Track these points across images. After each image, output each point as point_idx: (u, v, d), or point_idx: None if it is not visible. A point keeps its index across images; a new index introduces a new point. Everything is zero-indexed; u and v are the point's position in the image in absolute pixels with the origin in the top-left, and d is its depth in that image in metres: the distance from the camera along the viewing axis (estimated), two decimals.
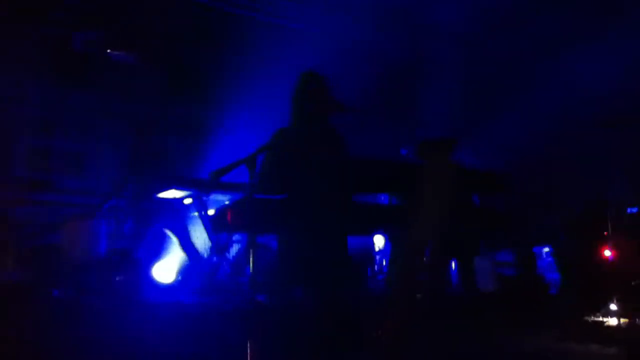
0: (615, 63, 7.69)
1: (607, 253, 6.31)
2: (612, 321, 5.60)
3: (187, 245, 6.45)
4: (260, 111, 8.53)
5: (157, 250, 6.67)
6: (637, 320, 5.48)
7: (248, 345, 3.72)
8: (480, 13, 8.79)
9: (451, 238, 5.34)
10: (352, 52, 8.90)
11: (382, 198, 6.67)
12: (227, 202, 6.38)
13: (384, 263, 7.17)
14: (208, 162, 7.80)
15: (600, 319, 5.71)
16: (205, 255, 6.39)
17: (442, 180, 4.05)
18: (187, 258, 6.40)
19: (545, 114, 8.40)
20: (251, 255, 4.12)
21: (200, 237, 6.50)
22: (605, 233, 6.68)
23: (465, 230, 5.41)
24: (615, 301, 5.69)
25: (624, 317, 5.55)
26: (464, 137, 5.67)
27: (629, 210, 7.10)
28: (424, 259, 4.92)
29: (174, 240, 6.50)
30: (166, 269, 6.53)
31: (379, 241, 7.21)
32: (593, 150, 6.29)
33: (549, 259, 7.83)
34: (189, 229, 6.54)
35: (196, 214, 6.43)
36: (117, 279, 6.13)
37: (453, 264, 6.35)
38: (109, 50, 8.05)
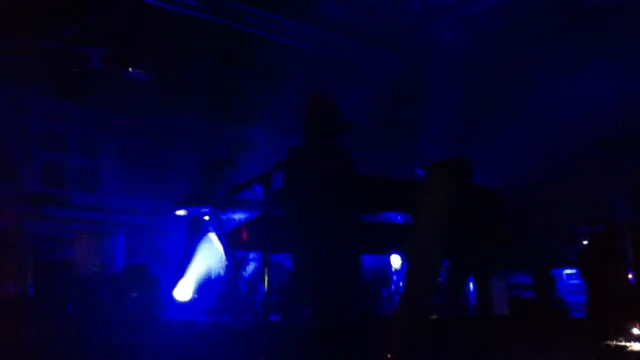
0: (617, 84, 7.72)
1: (631, 276, 6.18)
2: (635, 346, 5.47)
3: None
4: (270, 127, 8.58)
5: (173, 267, 6.67)
6: None
7: None
8: (480, 35, 8.85)
9: (467, 258, 5.28)
10: (359, 73, 8.96)
11: (399, 217, 6.62)
12: (238, 218, 6.37)
13: (401, 284, 7.10)
14: (220, 178, 7.83)
15: (623, 343, 5.57)
16: (222, 273, 6.38)
17: (452, 199, 4.01)
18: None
19: (553, 136, 8.39)
20: (266, 274, 4.10)
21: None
22: (627, 256, 6.56)
23: (480, 250, 5.34)
24: (638, 325, 5.56)
25: None
26: (470, 157, 5.64)
27: None
28: (437, 278, 4.85)
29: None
30: (183, 286, 6.53)
31: (395, 261, 7.15)
32: (605, 170, 6.22)
33: (570, 281, 7.70)
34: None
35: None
36: (132, 295, 6.14)
37: (471, 285, 6.26)
38: (128, 69, 8.14)
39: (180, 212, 6.40)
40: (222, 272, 6.39)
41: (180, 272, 6.57)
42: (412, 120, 9.48)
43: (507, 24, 8.59)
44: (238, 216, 6.54)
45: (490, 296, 5.49)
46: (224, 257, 6.35)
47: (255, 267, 6.44)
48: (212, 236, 6.48)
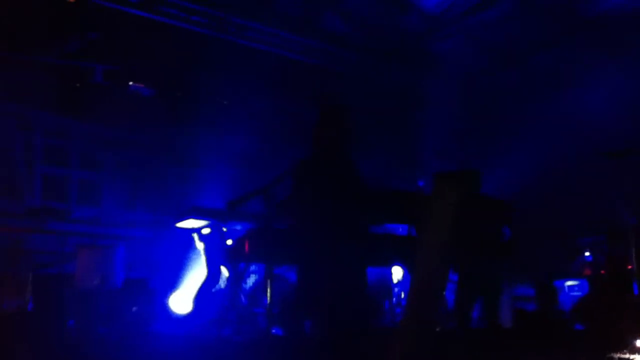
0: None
1: (633, 287, 6.17)
2: (639, 358, 5.43)
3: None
4: (270, 142, 8.59)
5: (172, 280, 6.63)
6: None
7: None
8: (481, 46, 8.91)
9: (481, 271, 5.25)
10: (363, 85, 8.99)
11: (401, 229, 6.60)
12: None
13: (403, 295, 7.06)
14: (221, 191, 7.82)
15: (627, 355, 5.53)
16: (222, 286, 6.33)
17: (461, 211, 3.99)
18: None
19: (555, 144, 8.41)
20: (268, 286, 4.07)
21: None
22: (629, 267, 6.54)
23: (494, 263, 5.32)
24: None
25: None
26: (479, 171, 5.65)
27: None
28: (442, 291, 4.82)
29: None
30: (182, 299, 6.48)
31: (397, 273, 7.12)
32: (609, 180, 6.23)
33: (572, 293, 7.68)
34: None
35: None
36: (133, 309, 6.09)
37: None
38: (130, 84, 8.17)
39: (182, 225, 6.36)
40: (222, 285, 6.34)
41: (178, 285, 6.54)
42: (413, 131, 9.52)
43: (507, 35, 8.64)
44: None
45: (499, 310, 5.46)
46: (223, 269, 6.31)
47: (256, 279, 6.39)
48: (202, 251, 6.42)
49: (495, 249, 5.45)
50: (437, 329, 5.73)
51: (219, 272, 6.26)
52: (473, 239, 5.26)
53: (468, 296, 5.38)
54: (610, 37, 8.22)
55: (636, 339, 5.55)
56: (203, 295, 6.35)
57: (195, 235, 6.30)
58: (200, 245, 6.33)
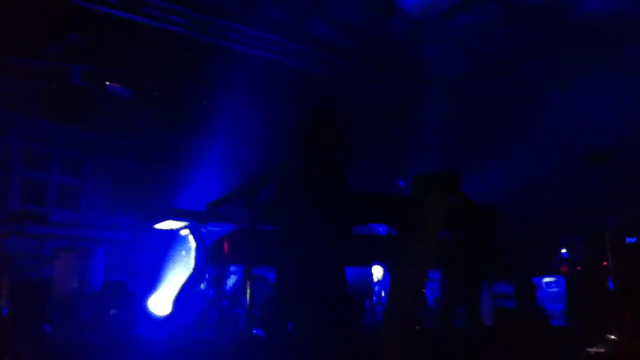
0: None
1: (608, 283, 6.26)
2: (612, 352, 5.52)
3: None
4: (254, 145, 8.60)
5: (152, 282, 6.60)
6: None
7: None
8: (468, 52, 8.98)
9: (462, 270, 5.31)
10: (347, 91, 9.03)
11: (381, 229, 6.64)
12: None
13: (383, 294, 7.10)
14: (202, 193, 7.80)
15: (602, 350, 5.62)
16: (202, 287, 6.31)
17: (442, 211, 4.04)
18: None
19: (538, 148, 8.52)
20: (248, 288, 4.08)
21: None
22: (605, 263, 6.66)
23: (474, 262, 5.38)
24: (615, 331, 5.62)
25: (624, 348, 5.48)
26: (458, 170, 5.72)
27: (627, 240, 7.11)
28: (422, 289, 4.88)
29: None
30: (161, 301, 6.45)
31: (377, 272, 7.16)
32: (587, 183, 6.34)
33: (549, 289, 7.78)
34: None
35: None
36: (111, 312, 6.05)
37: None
38: (106, 83, 8.10)
39: (160, 226, 6.34)
40: (201, 286, 6.32)
41: (157, 287, 6.50)
42: (400, 134, 9.59)
43: (494, 41, 8.70)
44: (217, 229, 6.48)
45: (480, 308, 5.53)
46: (202, 270, 6.29)
47: (236, 280, 6.39)
48: (190, 250, 6.40)
49: (479, 250, 5.52)
50: (417, 327, 5.79)
51: (204, 272, 6.25)
52: (457, 240, 5.33)
53: (451, 296, 5.44)
54: (596, 44, 8.32)
55: (610, 334, 5.65)
56: (184, 296, 6.33)
57: (188, 233, 6.28)
58: (192, 244, 6.31)
